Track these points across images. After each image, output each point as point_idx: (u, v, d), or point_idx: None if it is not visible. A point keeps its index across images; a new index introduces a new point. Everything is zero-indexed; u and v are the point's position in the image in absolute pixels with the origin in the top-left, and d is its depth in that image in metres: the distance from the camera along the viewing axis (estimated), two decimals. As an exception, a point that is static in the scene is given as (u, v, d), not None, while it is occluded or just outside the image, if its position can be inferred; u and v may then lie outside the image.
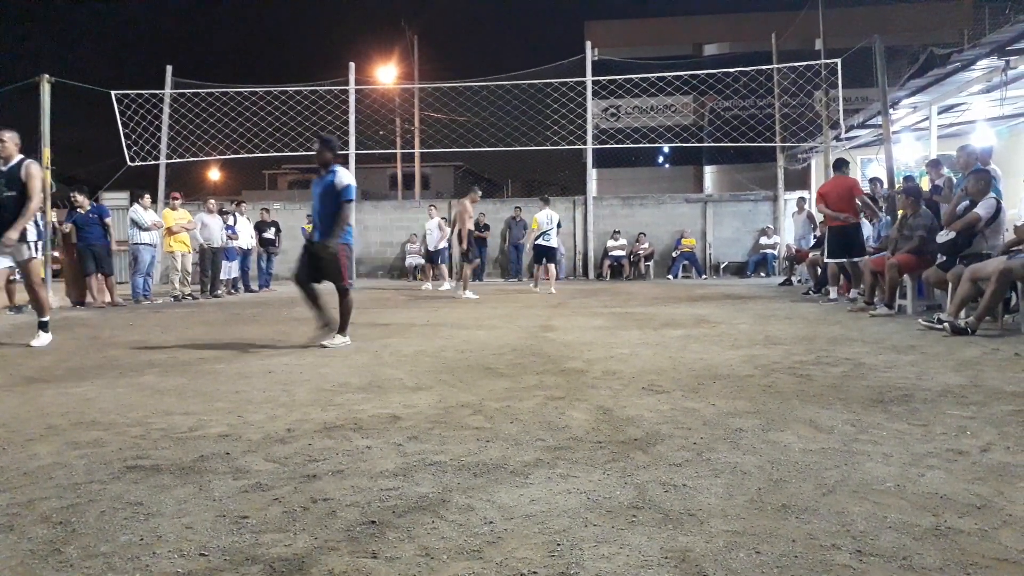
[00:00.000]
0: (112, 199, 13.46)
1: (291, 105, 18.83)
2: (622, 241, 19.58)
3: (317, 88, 19.07)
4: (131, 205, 12.45)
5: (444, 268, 16.55)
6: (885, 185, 11.03)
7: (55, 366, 5.41)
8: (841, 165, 10.21)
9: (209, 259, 13.64)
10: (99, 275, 11.42)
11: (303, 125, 18.86)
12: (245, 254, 14.81)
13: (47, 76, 11.88)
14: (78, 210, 11.45)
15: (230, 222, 14.45)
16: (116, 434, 3.32)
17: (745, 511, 2.28)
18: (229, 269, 14.49)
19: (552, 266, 14.02)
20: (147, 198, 12.60)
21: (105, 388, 4.48)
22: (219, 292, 13.79)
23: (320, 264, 6.26)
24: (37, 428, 3.45)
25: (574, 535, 2.11)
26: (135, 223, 12.15)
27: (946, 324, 6.38)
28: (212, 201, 14.25)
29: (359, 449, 3.03)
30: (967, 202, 7.21)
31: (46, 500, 2.45)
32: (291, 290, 15.19)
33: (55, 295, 11.47)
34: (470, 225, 13.25)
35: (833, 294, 10.11)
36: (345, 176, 6.26)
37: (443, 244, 17.84)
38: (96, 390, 4.42)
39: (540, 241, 13.63)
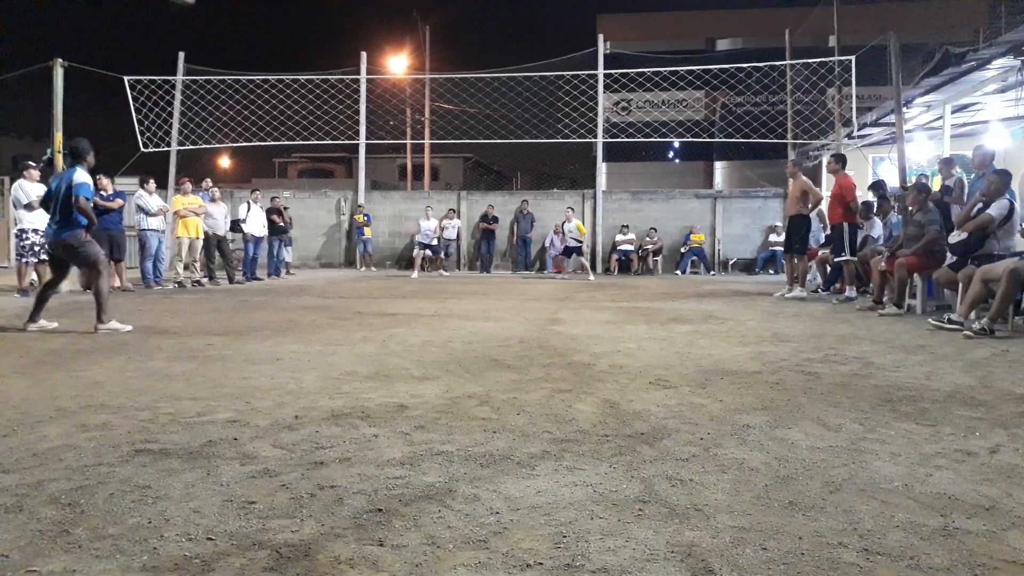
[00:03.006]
0: (121, 184, 13.45)
1: (302, 94, 18.87)
2: (631, 236, 19.55)
3: (329, 77, 19.11)
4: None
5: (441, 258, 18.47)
6: (898, 185, 10.96)
7: (64, 349, 5.44)
8: (837, 162, 10.27)
9: (214, 246, 13.69)
10: (110, 260, 11.47)
11: (314, 114, 18.91)
12: (257, 242, 14.86)
13: (60, 60, 11.91)
14: (100, 192, 11.47)
15: (241, 212, 14.58)
16: (125, 417, 3.34)
17: (752, 507, 2.28)
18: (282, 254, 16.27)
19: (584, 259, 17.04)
20: (152, 183, 12.58)
21: (114, 372, 4.51)
22: (240, 280, 13.89)
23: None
24: (46, 410, 3.47)
25: (580, 527, 2.11)
26: (141, 208, 12.17)
27: (970, 328, 6.31)
28: (216, 189, 14.26)
29: (366, 437, 3.04)
30: (982, 204, 7.16)
31: (55, 482, 2.47)
32: (300, 279, 15.30)
33: (68, 279, 11.52)
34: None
35: (850, 292, 10.05)
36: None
37: (451, 236, 18.45)
38: (105, 374, 4.44)
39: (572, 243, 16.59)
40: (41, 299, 6.75)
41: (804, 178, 10.95)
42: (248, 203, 14.84)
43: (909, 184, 10.37)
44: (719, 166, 28.26)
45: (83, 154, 6.88)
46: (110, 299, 6.72)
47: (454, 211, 20.18)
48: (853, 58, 16.14)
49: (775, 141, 19.00)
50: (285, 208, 17.22)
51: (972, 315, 6.60)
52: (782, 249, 18.74)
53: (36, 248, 10.10)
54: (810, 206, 10.84)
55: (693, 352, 5.41)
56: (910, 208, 8.82)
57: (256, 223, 14.73)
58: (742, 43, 27.02)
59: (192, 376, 4.38)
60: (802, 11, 21.84)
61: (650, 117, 20.58)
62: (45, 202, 7.02)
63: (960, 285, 7.09)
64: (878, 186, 10.94)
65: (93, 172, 9.88)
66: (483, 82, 19.07)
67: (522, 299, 10.47)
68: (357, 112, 19.69)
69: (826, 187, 16.11)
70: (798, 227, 10.81)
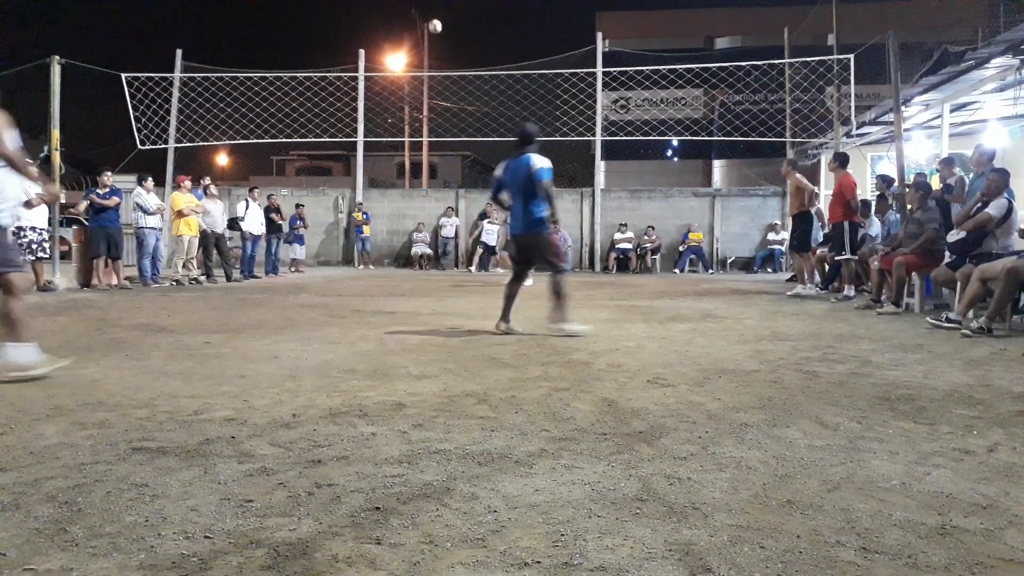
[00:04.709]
0: (118, 182, 13.42)
1: (300, 91, 18.84)
2: (629, 234, 19.54)
3: (327, 74, 19.09)
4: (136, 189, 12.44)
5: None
6: (896, 184, 10.97)
7: (62, 347, 5.42)
8: (836, 160, 10.33)
9: (212, 244, 13.67)
10: (107, 258, 11.45)
11: (312, 112, 18.89)
12: (255, 240, 14.85)
13: (57, 58, 11.89)
14: (97, 191, 11.44)
15: (239, 210, 14.60)
16: (122, 416, 3.34)
17: (750, 506, 2.28)
18: (296, 251, 17.15)
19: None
20: (149, 181, 12.56)
21: (111, 370, 4.50)
22: (238, 278, 13.88)
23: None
24: (44, 408, 3.46)
25: (578, 526, 2.11)
26: (139, 207, 12.15)
27: (968, 327, 6.31)
28: (213, 186, 14.25)
29: (364, 435, 3.04)
30: (981, 204, 7.16)
31: (52, 480, 2.46)
32: (298, 277, 15.29)
33: (63, 277, 11.52)
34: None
35: (849, 291, 10.07)
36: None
37: (449, 234, 18.44)
38: (102, 372, 4.44)
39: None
40: (509, 297, 6.60)
41: (797, 175, 11.13)
42: (246, 201, 14.81)
43: (908, 182, 10.38)
44: (718, 164, 28.23)
45: (532, 138, 6.51)
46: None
47: (452, 209, 20.18)
48: (852, 57, 16.15)
49: (774, 140, 19.00)
50: (300, 206, 17.37)
51: (970, 314, 6.60)
52: (781, 248, 18.90)
53: (34, 246, 10.08)
54: (806, 201, 10.91)
55: (691, 351, 5.41)
56: (910, 207, 8.81)
57: (254, 221, 14.71)
58: (741, 41, 26.99)
59: (189, 374, 4.38)
60: (801, 10, 21.84)
61: (649, 115, 20.56)
62: (498, 193, 6.55)
63: (958, 284, 7.09)
64: (884, 179, 11.00)
65: (95, 168, 9.76)
66: (481, 80, 19.05)
67: (520, 297, 10.43)
68: (355, 110, 19.66)
69: (826, 186, 16.15)
70: (797, 225, 10.99)
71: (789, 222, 12.78)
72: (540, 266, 6.68)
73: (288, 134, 19.29)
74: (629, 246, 19.52)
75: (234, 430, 3.10)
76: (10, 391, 3.85)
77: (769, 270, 18.82)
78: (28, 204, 10.01)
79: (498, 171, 6.56)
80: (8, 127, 4.26)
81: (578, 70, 18.95)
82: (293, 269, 16.97)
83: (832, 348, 5.53)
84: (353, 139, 19.97)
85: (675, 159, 27.04)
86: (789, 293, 10.70)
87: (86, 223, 11.74)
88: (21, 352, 4.19)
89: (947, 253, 7.77)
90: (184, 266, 12.93)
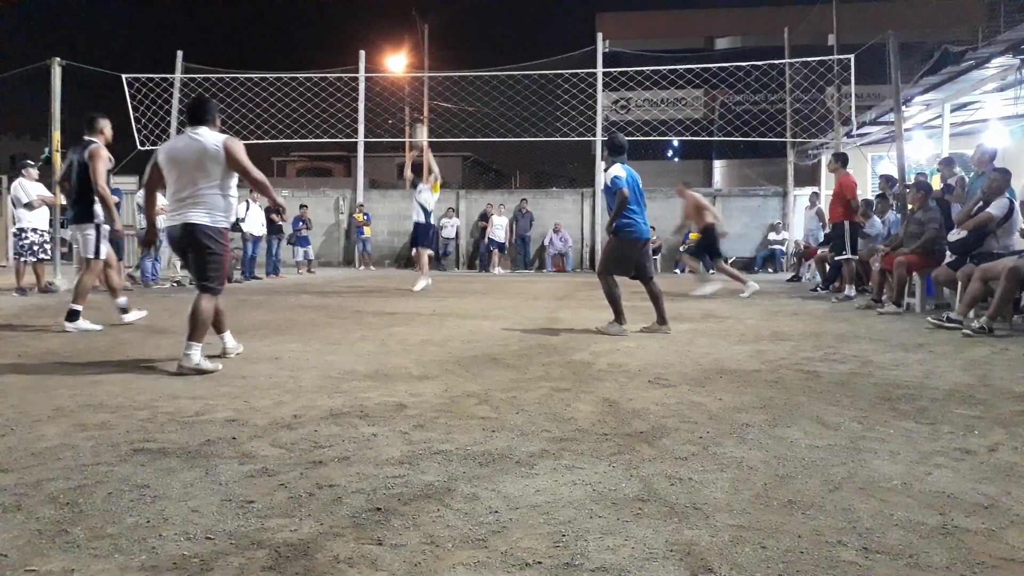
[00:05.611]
0: (120, 183, 13.43)
1: (301, 92, 18.86)
2: (629, 234, 19.53)
3: (327, 75, 19.10)
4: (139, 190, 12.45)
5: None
6: (897, 184, 10.97)
7: (63, 348, 5.43)
8: (836, 160, 10.35)
9: None
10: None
11: (313, 112, 18.90)
12: (256, 241, 14.84)
13: (58, 59, 11.89)
14: None
15: (240, 211, 14.57)
16: (123, 417, 3.34)
17: (751, 506, 2.27)
18: (304, 253, 17.12)
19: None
20: None
21: (113, 371, 4.50)
22: (238, 279, 13.87)
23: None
24: (45, 409, 3.46)
25: (579, 526, 2.11)
26: (141, 208, 12.15)
27: (969, 327, 6.31)
28: None
29: (365, 436, 3.04)
30: (982, 203, 7.16)
31: (53, 481, 2.46)
32: (298, 278, 15.28)
33: (64, 278, 11.51)
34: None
35: (849, 291, 10.06)
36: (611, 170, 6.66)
37: (450, 235, 18.27)
38: (103, 373, 4.43)
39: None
40: (616, 300, 6.71)
41: (691, 193, 11.95)
42: (247, 202, 14.80)
43: (909, 182, 10.38)
44: (718, 165, 28.26)
45: (623, 149, 6.75)
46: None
47: (453, 210, 20.18)
48: (852, 57, 16.14)
49: (774, 140, 19.01)
50: (304, 207, 17.36)
51: (971, 314, 6.60)
52: (782, 248, 18.91)
53: (35, 248, 10.09)
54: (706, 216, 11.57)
55: (692, 351, 5.41)
56: (911, 206, 8.81)
57: (255, 222, 14.70)
58: (741, 41, 27.03)
59: (190, 375, 4.38)
60: (801, 10, 21.86)
61: (649, 116, 20.57)
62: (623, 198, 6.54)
63: (959, 283, 7.09)
64: (888, 179, 11.03)
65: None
66: (482, 80, 19.07)
67: (521, 298, 10.47)
68: (356, 111, 19.69)
69: (826, 186, 16.16)
70: (711, 236, 11.69)
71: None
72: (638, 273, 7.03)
73: (289, 135, 19.31)
74: (629, 246, 19.50)
75: (235, 431, 3.10)
76: (11, 392, 3.85)
77: (770, 270, 18.83)
78: (29, 206, 10.04)
79: (624, 174, 6.55)
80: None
81: (578, 70, 18.96)
82: (304, 271, 16.91)
83: (833, 348, 5.53)
84: (354, 140, 20.00)
85: (675, 159, 27.07)
86: (695, 293, 11.05)
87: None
88: (198, 354, 4.48)
89: (948, 253, 7.77)
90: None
